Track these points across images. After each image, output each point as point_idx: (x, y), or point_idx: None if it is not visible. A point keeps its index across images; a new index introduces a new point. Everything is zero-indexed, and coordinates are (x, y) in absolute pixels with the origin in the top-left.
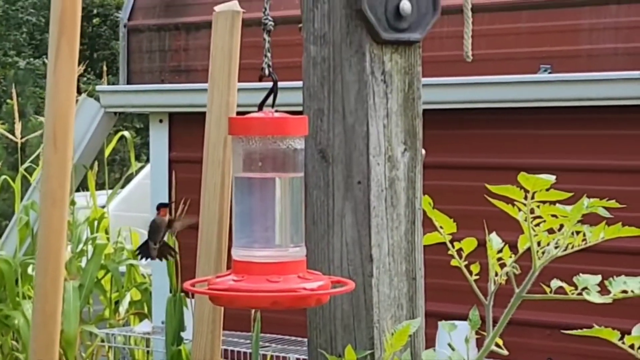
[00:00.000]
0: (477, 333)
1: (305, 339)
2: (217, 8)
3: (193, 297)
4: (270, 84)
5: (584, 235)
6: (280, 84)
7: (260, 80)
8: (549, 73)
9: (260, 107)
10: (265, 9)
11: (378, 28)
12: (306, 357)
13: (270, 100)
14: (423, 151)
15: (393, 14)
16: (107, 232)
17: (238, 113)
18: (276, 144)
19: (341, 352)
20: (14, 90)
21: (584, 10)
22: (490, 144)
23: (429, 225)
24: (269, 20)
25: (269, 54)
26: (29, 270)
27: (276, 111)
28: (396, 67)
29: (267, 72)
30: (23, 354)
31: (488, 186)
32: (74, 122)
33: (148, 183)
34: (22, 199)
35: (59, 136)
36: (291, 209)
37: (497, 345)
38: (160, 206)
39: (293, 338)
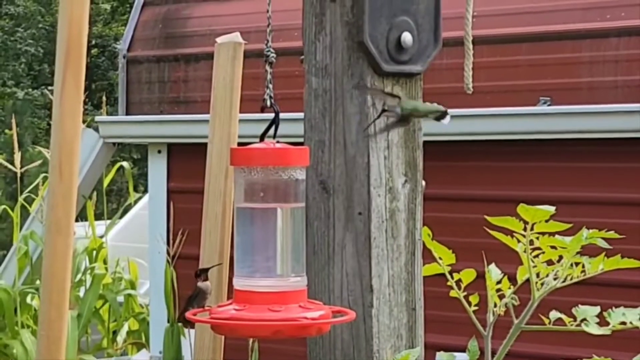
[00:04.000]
0: None
1: None
2: (219, 39)
3: (192, 327)
4: (271, 115)
5: (583, 266)
6: (280, 115)
7: (262, 111)
8: (549, 105)
9: (262, 138)
10: (268, 41)
11: (379, 60)
12: None
13: (272, 132)
14: (423, 182)
15: (394, 46)
16: (105, 262)
17: (239, 144)
18: (278, 174)
19: None
20: (13, 121)
21: (584, 42)
22: (489, 176)
23: (428, 256)
24: (271, 52)
25: (270, 86)
26: (28, 299)
27: (277, 142)
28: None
29: (268, 103)
30: None
31: (487, 218)
32: (79, 151)
33: (146, 214)
34: (20, 228)
35: (64, 165)
36: (292, 239)
37: None
38: (202, 272)
39: None
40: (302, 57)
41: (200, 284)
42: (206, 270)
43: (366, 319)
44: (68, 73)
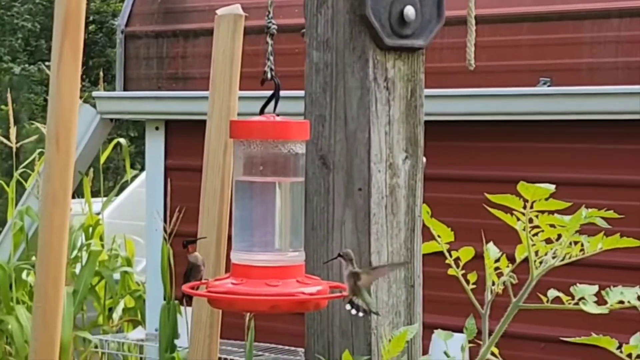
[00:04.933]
0: (471, 342)
1: (299, 348)
2: (219, 11)
3: (189, 304)
4: (269, 92)
5: (582, 245)
6: (279, 92)
7: (262, 84)
8: (549, 86)
9: (262, 111)
10: (269, 13)
11: (382, 34)
12: None
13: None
14: (424, 159)
15: (397, 20)
16: (101, 239)
17: None
18: (277, 148)
19: (339, 358)
20: (9, 96)
21: (585, 23)
22: (489, 156)
23: (426, 235)
24: (272, 24)
25: (271, 58)
26: (23, 275)
27: (277, 115)
28: (399, 74)
29: (269, 75)
30: (16, 358)
31: (488, 195)
32: (77, 123)
33: (142, 191)
34: (16, 204)
35: (61, 137)
36: (291, 214)
37: (494, 354)
38: (188, 243)
39: (287, 347)
40: (304, 30)
41: (189, 257)
42: (192, 242)
43: None
44: (66, 43)
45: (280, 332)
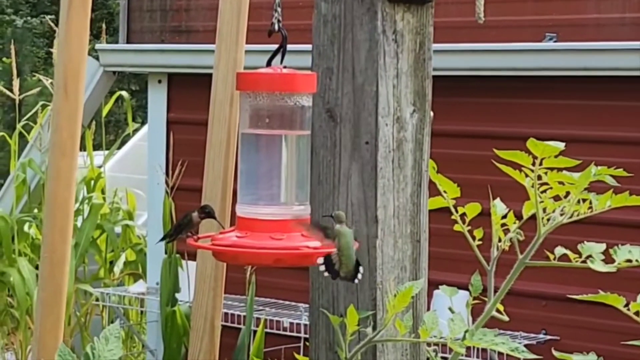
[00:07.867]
0: (476, 299)
1: (300, 304)
2: None
3: (193, 258)
4: (274, 46)
5: (590, 203)
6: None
7: (269, 35)
8: (555, 42)
9: (269, 63)
10: None
11: None
12: (299, 321)
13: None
14: (432, 113)
15: None
16: (103, 192)
17: None
18: (284, 100)
19: (343, 313)
20: (12, 48)
21: None
22: (493, 112)
23: (432, 192)
24: None
25: (279, 9)
26: (25, 227)
27: (285, 67)
28: (408, 26)
29: (276, 27)
30: (18, 310)
31: (496, 151)
32: (85, 71)
33: (144, 145)
34: (18, 157)
35: (70, 84)
36: (297, 167)
37: (498, 311)
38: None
39: (287, 302)
40: None
41: (194, 214)
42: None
43: (370, 250)
44: None
45: (281, 287)
